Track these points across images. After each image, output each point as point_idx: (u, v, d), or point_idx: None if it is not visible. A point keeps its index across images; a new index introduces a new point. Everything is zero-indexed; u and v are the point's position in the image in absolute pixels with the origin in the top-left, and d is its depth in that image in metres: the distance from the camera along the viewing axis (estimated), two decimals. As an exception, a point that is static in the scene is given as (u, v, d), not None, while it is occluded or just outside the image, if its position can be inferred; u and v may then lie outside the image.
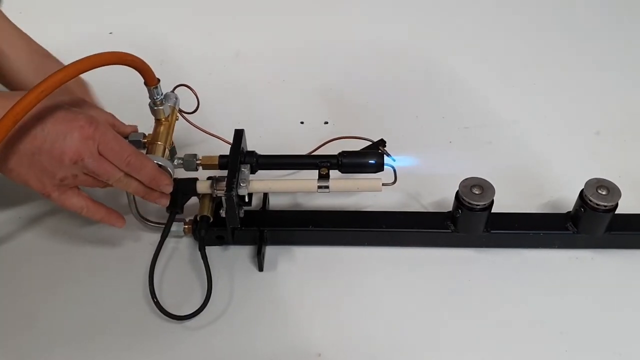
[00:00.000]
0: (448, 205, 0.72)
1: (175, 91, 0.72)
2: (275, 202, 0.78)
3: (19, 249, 0.74)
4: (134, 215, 0.72)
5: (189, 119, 0.73)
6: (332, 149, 0.73)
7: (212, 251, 0.72)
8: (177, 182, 0.69)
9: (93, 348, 0.65)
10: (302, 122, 0.90)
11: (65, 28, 1.05)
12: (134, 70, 0.63)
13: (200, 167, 0.71)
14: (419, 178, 0.79)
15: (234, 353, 0.65)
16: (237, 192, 0.66)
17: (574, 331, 0.66)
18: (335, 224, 0.73)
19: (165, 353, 0.65)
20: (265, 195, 0.76)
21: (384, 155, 0.70)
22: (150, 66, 0.64)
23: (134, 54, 0.61)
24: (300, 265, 0.72)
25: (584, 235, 0.71)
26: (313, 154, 0.77)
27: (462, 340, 0.66)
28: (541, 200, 0.79)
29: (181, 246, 0.74)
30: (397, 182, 0.69)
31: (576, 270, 0.71)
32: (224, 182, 0.67)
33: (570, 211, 0.72)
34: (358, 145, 0.74)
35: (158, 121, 0.70)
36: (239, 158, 0.69)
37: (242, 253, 0.73)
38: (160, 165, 0.66)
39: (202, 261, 0.69)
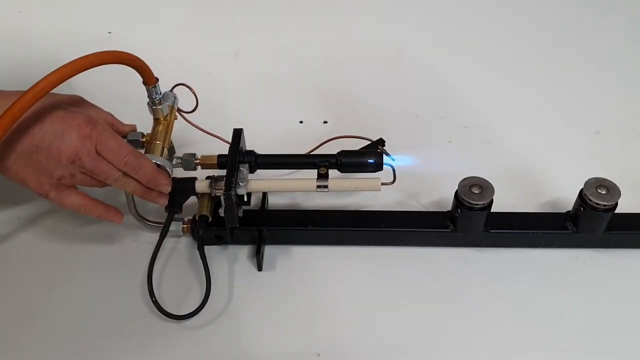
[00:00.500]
0: (447, 204, 0.72)
1: (174, 90, 0.72)
2: (274, 202, 0.78)
3: (17, 248, 0.73)
4: (133, 214, 0.72)
5: (187, 118, 0.73)
6: (331, 149, 0.73)
7: (211, 251, 0.72)
8: (176, 182, 0.69)
9: (91, 348, 0.65)
10: (301, 122, 0.90)
11: (64, 27, 1.05)
12: (132, 69, 0.63)
13: (199, 167, 0.71)
14: (418, 177, 0.79)
15: (232, 353, 0.65)
16: (236, 192, 0.66)
17: (573, 331, 0.66)
18: (335, 224, 0.73)
19: (164, 353, 0.65)
20: (264, 194, 0.76)
21: (383, 155, 0.70)
22: (149, 65, 0.64)
23: (133, 53, 0.61)
24: (299, 264, 0.72)
25: (583, 235, 0.71)
26: (312, 153, 0.77)
27: (461, 340, 0.66)
28: (540, 200, 0.79)
29: (180, 246, 0.74)
30: (396, 182, 0.69)
31: (576, 270, 0.71)
32: (223, 182, 0.67)
33: (569, 210, 0.72)
34: (357, 145, 0.74)
35: (157, 120, 0.70)
36: (238, 157, 0.69)
37: (241, 253, 0.73)
38: (158, 165, 0.66)
39: (200, 261, 0.69)
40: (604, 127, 0.89)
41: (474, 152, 0.85)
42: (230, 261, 0.72)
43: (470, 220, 0.70)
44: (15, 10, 1.09)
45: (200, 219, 0.70)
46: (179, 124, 0.72)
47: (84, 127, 0.59)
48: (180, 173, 0.71)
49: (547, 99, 0.94)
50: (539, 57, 1.01)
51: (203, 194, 0.71)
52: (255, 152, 0.71)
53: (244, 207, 0.70)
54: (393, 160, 0.70)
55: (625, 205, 0.69)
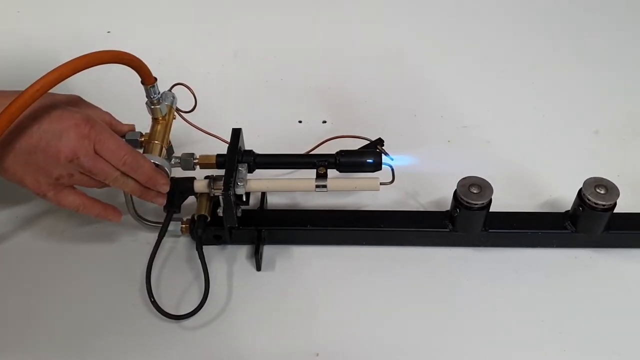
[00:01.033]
0: (446, 204, 0.72)
1: (173, 90, 0.72)
2: (273, 202, 0.78)
3: (16, 248, 0.73)
4: (132, 214, 0.72)
5: (186, 118, 0.73)
6: (330, 148, 0.73)
7: (209, 250, 0.72)
8: (175, 182, 0.69)
9: (90, 347, 0.65)
10: (300, 121, 0.90)
11: (63, 27, 1.05)
12: (131, 69, 0.63)
13: (198, 166, 0.71)
14: (417, 177, 0.79)
15: (231, 353, 0.65)
16: (234, 192, 0.66)
17: (572, 331, 0.66)
18: (333, 224, 0.73)
19: (163, 352, 0.65)
20: (263, 194, 0.76)
21: (382, 155, 0.70)
22: (148, 65, 0.64)
23: (131, 53, 0.61)
24: (298, 264, 0.72)
25: (582, 235, 0.71)
26: (311, 153, 0.77)
27: (460, 340, 0.66)
28: (539, 200, 0.79)
29: (178, 246, 0.74)
30: (395, 181, 0.68)
31: (575, 270, 0.71)
32: (222, 182, 0.67)
33: (568, 210, 0.72)
34: (356, 145, 0.74)
35: (155, 120, 0.70)
36: (237, 157, 0.69)
37: (239, 252, 0.73)
38: (157, 165, 0.66)
39: (199, 261, 0.69)
40: (603, 127, 0.89)
41: (473, 151, 0.85)
42: (229, 261, 0.72)
43: (469, 220, 0.70)
44: (13, 10, 1.09)
45: (199, 218, 0.70)
46: (177, 123, 0.72)
47: (82, 126, 0.59)
48: (178, 173, 0.71)
49: (546, 99, 0.94)
50: (539, 57, 1.01)
51: (202, 194, 0.71)
52: (254, 152, 0.71)
53: (243, 207, 0.70)
54: (392, 160, 0.70)
55: (624, 205, 0.69)
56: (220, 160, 0.70)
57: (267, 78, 0.97)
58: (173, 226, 0.71)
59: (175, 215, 0.71)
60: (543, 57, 1.01)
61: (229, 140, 0.70)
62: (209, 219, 0.70)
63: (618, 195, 0.67)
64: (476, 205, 0.67)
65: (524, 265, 0.72)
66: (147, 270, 0.67)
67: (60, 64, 0.56)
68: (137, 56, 0.62)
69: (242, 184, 0.67)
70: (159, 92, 0.67)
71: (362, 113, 0.91)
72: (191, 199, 0.72)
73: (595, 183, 0.68)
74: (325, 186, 0.68)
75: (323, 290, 0.70)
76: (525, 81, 0.97)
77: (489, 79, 0.97)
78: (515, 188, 0.79)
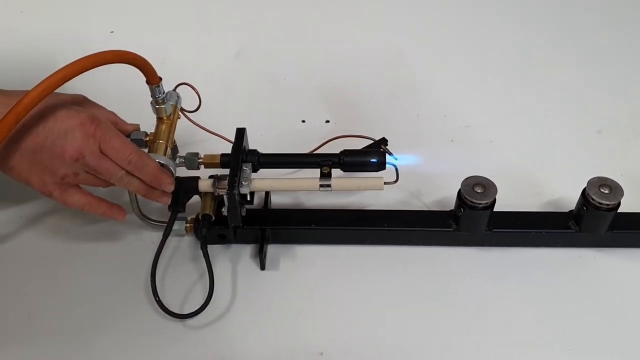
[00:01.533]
0: (450, 204, 0.72)
1: (177, 90, 0.72)
2: (277, 201, 0.78)
3: (20, 247, 0.73)
4: (136, 214, 0.72)
5: (190, 117, 0.73)
6: (334, 148, 0.73)
7: (214, 250, 0.72)
8: (179, 181, 0.69)
9: (95, 346, 0.65)
10: (303, 121, 0.90)
11: (67, 27, 1.05)
12: (135, 68, 0.63)
13: (202, 166, 0.71)
14: (421, 177, 0.79)
15: (236, 352, 0.65)
16: (239, 191, 0.66)
17: (576, 330, 0.66)
18: (337, 223, 0.73)
19: (167, 351, 0.65)
20: (267, 194, 0.76)
21: (386, 154, 0.70)
22: (152, 65, 0.64)
23: (136, 53, 0.61)
24: (302, 264, 0.72)
25: (586, 234, 0.71)
26: (315, 152, 0.77)
27: (464, 339, 0.66)
28: (543, 199, 0.79)
29: (183, 245, 0.74)
30: (399, 181, 0.68)
31: (578, 269, 0.71)
32: (226, 181, 0.67)
33: (572, 210, 0.72)
34: (360, 144, 0.74)
35: (160, 120, 0.70)
36: (241, 157, 0.69)
37: (244, 252, 0.73)
38: (162, 164, 0.66)
39: (204, 260, 0.69)
40: (606, 126, 0.89)
41: (476, 151, 0.85)
42: (233, 260, 0.72)
43: (473, 219, 0.70)
44: (17, 10, 1.09)
45: (204, 218, 0.70)
46: (182, 123, 0.72)
47: (87, 125, 0.59)
48: (183, 172, 0.71)
49: (549, 98, 0.94)
50: (541, 56, 1.01)
51: (206, 193, 0.71)
52: (258, 152, 0.71)
53: (247, 206, 0.71)
54: (396, 159, 0.70)
55: (628, 205, 0.69)
56: (224, 160, 0.70)
57: (271, 78, 0.97)
58: (177, 225, 0.71)
59: (179, 215, 0.71)
60: (546, 57, 1.01)
61: (233, 140, 0.70)
62: (213, 218, 0.70)
63: (622, 194, 0.67)
64: (480, 205, 0.67)
65: (528, 264, 0.72)
66: (151, 269, 0.67)
67: (65, 64, 0.56)
68: (142, 56, 0.62)
69: (246, 183, 0.67)
70: (164, 92, 0.67)
71: (366, 113, 0.91)
72: (195, 198, 0.72)
73: (600, 182, 0.68)
74: (329, 186, 0.68)
75: (327, 289, 0.70)
76: (528, 80, 0.97)
77: (491, 78, 0.97)
78: (518, 187, 0.79)
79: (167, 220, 0.70)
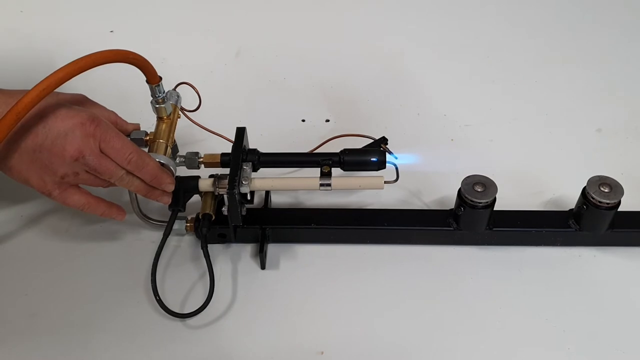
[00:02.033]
0: (450, 203, 0.72)
1: (177, 89, 0.72)
2: (277, 200, 0.78)
3: (21, 247, 0.74)
4: (136, 213, 0.72)
5: (190, 117, 0.73)
6: (334, 147, 0.73)
7: (214, 249, 0.72)
8: (179, 180, 0.69)
9: (96, 345, 0.65)
10: (303, 120, 0.90)
11: (67, 26, 1.05)
12: (136, 68, 0.63)
13: (202, 165, 0.71)
14: (421, 176, 0.79)
15: (236, 351, 0.65)
16: (239, 190, 0.66)
17: (576, 329, 0.66)
18: (337, 222, 0.73)
19: (168, 351, 0.65)
20: (267, 193, 0.76)
21: (386, 153, 0.70)
22: (152, 64, 0.64)
23: (136, 52, 0.61)
24: (303, 263, 0.72)
25: (586, 233, 0.71)
26: (315, 151, 0.77)
27: (464, 338, 0.66)
28: (543, 198, 0.79)
29: (183, 244, 0.74)
30: (399, 180, 0.68)
31: (579, 268, 0.71)
32: (226, 180, 0.67)
33: (572, 209, 0.72)
34: (360, 143, 0.74)
35: (160, 119, 0.70)
36: (241, 156, 0.69)
37: (244, 251, 0.73)
38: (162, 164, 0.66)
39: (204, 259, 0.69)
40: (606, 125, 0.89)
41: (476, 150, 0.85)
42: (234, 259, 0.72)
43: (473, 218, 0.70)
44: (17, 10, 1.09)
45: (204, 217, 0.70)
46: (182, 122, 0.72)
47: (87, 125, 0.59)
48: (183, 172, 0.71)
49: (549, 97, 0.94)
50: (541, 55, 1.01)
51: (206, 193, 0.71)
52: (258, 151, 0.71)
53: (247, 206, 0.71)
54: (396, 158, 0.70)
55: (628, 203, 0.69)
56: (224, 159, 0.70)
57: (271, 77, 0.97)
58: (178, 225, 0.71)
59: (180, 214, 0.71)
60: (546, 56, 1.01)
61: (233, 139, 0.70)
62: (213, 217, 0.70)
63: (622, 193, 0.67)
64: (480, 204, 0.68)
65: (528, 263, 0.72)
66: (152, 269, 0.67)
67: (65, 64, 0.56)
68: (142, 55, 0.62)
69: (246, 182, 0.67)
70: (164, 91, 0.67)
71: (366, 112, 0.91)
72: (196, 197, 0.72)
73: (600, 181, 0.68)
74: (329, 185, 0.68)
75: (327, 288, 0.70)
76: (528, 80, 0.97)
77: (491, 77, 0.97)
78: (519, 186, 0.79)
79: (167, 219, 0.70)
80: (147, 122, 0.71)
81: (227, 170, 0.68)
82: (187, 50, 1.02)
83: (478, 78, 0.97)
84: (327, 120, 0.90)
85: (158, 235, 0.70)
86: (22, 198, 0.77)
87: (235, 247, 0.74)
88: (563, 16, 1.09)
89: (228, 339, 0.66)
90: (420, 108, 0.91)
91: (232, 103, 0.92)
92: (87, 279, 0.71)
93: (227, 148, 0.70)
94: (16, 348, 0.65)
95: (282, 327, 0.67)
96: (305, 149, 0.77)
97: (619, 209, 0.68)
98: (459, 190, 0.69)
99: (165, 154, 0.67)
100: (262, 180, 0.69)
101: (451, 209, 0.72)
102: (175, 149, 0.71)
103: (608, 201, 0.67)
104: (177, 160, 0.70)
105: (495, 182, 0.68)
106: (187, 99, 0.72)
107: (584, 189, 0.69)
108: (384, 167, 0.69)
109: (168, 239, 0.69)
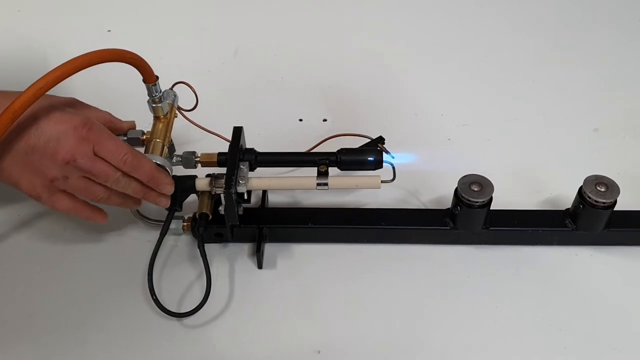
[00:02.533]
0: (447, 202, 0.72)
1: (174, 88, 0.72)
2: (274, 200, 0.78)
3: (17, 247, 0.73)
4: (133, 213, 0.72)
5: (187, 116, 0.73)
6: (331, 147, 0.73)
7: (211, 249, 0.72)
8: (176, 180, 0.69)
9: (92, 345, 0.65)
10: (300, 120, 0.90)
11: (63, 25, 1.05)
12: (133, 67, 0.63)
13: (199, 165, 0.71)
14: (418, 175, 0.79)
15: (233, 350, 0.65)
16: (236, 190, 0.66)
17: (573, 328, 0.66)
18: (335, 222, 0.73)
19: (165, 350, 0.65)
20: (264, 192, 0.76)
21: (383, 153, 0.70)
22: (149, 63, 0.64)
23: (133, 51, 0.61)
24: (300, 262, 0.72)
25: (582, 232, 0.71)
26: (312, 151, 0.77)
27: (461, 337, 0.66)
28: (540, 197, 0.79)
29: (180, 244, 0.74)
30: (396, 180, 0.69)
31: (575, 267, 0.71)
32: (223, 180, 0.67)
33: (569, 208, 0.72)
34: (357, 143, 0.74)
35: (157, 118, 0.70)
36: (238, 155, 0.69)
37: (241, 250, 0.73)
38: (158, 165, 0.66)
39: (201, 258, 0.69)
40: (603, 125, 0.89)
41: (473, 149, 0.85)
42: (231, 259, 0.72)
43: (469, 217, 0.70)
44: (14, 9, 1.09)
45: (201, 217, 0.70)
46: (179, 122, 0.72)
47: (80, 128, 0.59)
48: (180, 171, 0.71)
49: (546, 97, 0.94)
50: (538, 54, 1.01)
51: (203, 192, 0.71)
52: (255, 150, 0.71)
53: (244, 205, 0.70)
54: (393, 158, 0.70)
55: (624, 203, 0.69)
56: (221, 159, 0.70)
57: (268, 76, 0.97)
58: (175, 224, 0.71)
59: (176, 214, 0.71)
60: (543, 55, 1.01)
61: (230, 139, 0.70)
62: (210, 217, 0.70)
63: (618, 192, 0.67)
64: (477, 203, 0.68)
65: (525, 263, 0.72)
66: (149, 268, 0.67)
67: (61, 63, 0.56)
68: (138, 54, 0.62)
69: (243, 182, 0.67)
70: (161, 91, 0.67)
71: (363, 111, 0.91)
72: (192, 197, 0.72)
73: (596, 181, 0.68)
74: (326, 184, 0.68)
75: (324, 288, 0.70)
76: (525, 79, 0.97)
77: (488, 77, 0.97)
78: (515, 186, 0.79)
79: (164, 219, 0.70)
80: (144, 121, 0.71)
81: (224, 170, 0.68)
82: (184, 49, 1.02)
83: (475, 78, 0.97)
84: (325, 120, 0.90)
85: (155, 234, 0.70)
86: (19, 198, 0.77)
87: (232, 247, 0.74)
88: (561, 16, 1.09)
89: (225, 339, 0.66)
90: (417, 107, 0.91)
91: (229, 102, 0.92)
92: (84, 278, 0.71)
93: (224, 147, 0.70)
94: (14, 348, 0.65)
95: (279, 326, 0.67)
96: (302, 148, 0.77)
97: (615, 209, 0.68)
98: (456, 190, 0.69)
99: (161, 154, 0.67)
100: (259, 179, 0.69)
101: (448, 209, 0.72)
102: (172, 148, 0.71)
103: (604, 200, 0.67)
104: (174, 159, 0.70)
105: (491, 181, 0.68)
106: (184, 99, 0.72)
107: (580, 188, 0.69)
108: (381, 167, 0.69)
109: (165, 238, 0.69)
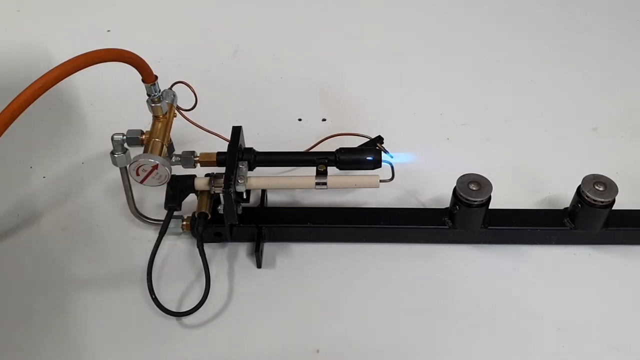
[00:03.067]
0: (446, 201, 0.72)
1: (173, 88, 0.72)
2: (273, 199, 0.78)
3: (17, 246, 0.74)
4: (132, 212, 0.72)
5: (187, 116, 0.73)
6: (330, 146, 0.73)
7: (210, 248, 0.72)
8: (175, 179, 0.69)
9: (91, 345, 0.65)
10: (299, 119, 0.90)
11: (63, 25, 1.05)
12: (132, 67, 0.63)
13: (198, 164, 0.71)
14: (417, 175, 0.79)
15: (232, 349, 0.65)
16: (235, 189, 0.66)
17: (571, 327, 0.66)
18: (333, 221, 0.73)
19: (164, 349, 0.65)
20: (263, 192, 0.76)
21: (382, 152, 0.70)
22: (148, 63, 0.64)
23: (132, 51, 0.61)
24: (298, 261, 0.72)
25: (581, 232, 0.71)
26: (311, 150, 0.77)
27: (460, 336, 0.66)
28: (538, 197, 0.79)
29: (179, 243, 0.74)
30: (394, 179, 0.69)
31: (574, 266, 0.72)
32: (222, 179, 0.67)
33: (567, 207, 0.72)
34: (356, 142, 0.75)
35: (156, 118, 0.70)
36: (237, 155, 0.69)
37: (240, 250, 0.73)
38: (157, 164, 0.66)
39: (200, 258, 0.69)
40: (602, 125, 0.89)
41: (472, 149, 0.85)
42: (230, 258, 0.73)
43: (468, 217, 0.70)
44: (14, 9, 1.09)
45: (200, 216, 0.70)
46: (178, 121, 0.72)
47: None
48: (179, 170, 0.71)
49: (545, 97, 0.94)
50: (537, 54, 1.01)
51: (202, 192, 0.71)
52: (254, 150, 0.71)
53: (243, 205, 0.71)
54: (391, 157, 0.70)
55: (622, 202, 0.69)
56: (220, 158, 0.70)
57: (267, 76, 0.97)
58: (174, 224, 0.71)
59: (175, 213, 0.71)
60: (542, 55, 1.01)
61: (229, 138, 0.70)
62: (209, 216, 0.70)
63: (617, 192, 0.67)
64: (475, 202, 0.68)
65: (523, 262, 0.72)
66: (148, 268, 0.67)
67: (61, 62, 0.56)
68: (138, 54, 0.62)
69: (242, 181, 0.67)
70: (160, 90, 0.68)
71: (362, 111, 0.91)
72: (192, 196, 0.72)
73: (594, 180, 0.68)
74: (325, 184, 0.68)
75: (323, 287, 0.70)
76: (524, 79, 0.97)
77: (487, 76, 0.97)
78: (514, 185, 0.79)
79: (163, 218, 0.70)
80: (143, 121, 0.71)
81: (223, 169, 0.68)
82: (183, 49, 1.02)
83: (474, 77, 0.97)
84: (324, 120, 0.90)
85: (154, 234, 0.71)
86: (18, 197, 0.77)
87: (231, 246, 0.74)
88: (560, 16, 1.09)
89: (224, 338, 0.66)
90: (417, 107, 0.92)
91: (228, 102, 0.92)
92: (83, 277, 0.71)
93: (223, 147, 0.70)
94: (11, 348, 0.65)
95: (278, 325, 0.67)
96: (301, 148, 0.77)
97: (614, 208, 0.68)
98: (454, 189, 0.69)
99: (161, 153, 0.67)
100: (258, 179, 0.69)
101: (446, 208, 0.72)
102: (171, 147, 0.71)
103: (602, 199, 0.67)
104: (173, 159, 0.71)
105: (490, 180, 0.68)
106: (183, 98, 0.72)
107: (579, 187, 0.69)
108: (380, 166, 0.69)
109: (164, 237, 0.69)
